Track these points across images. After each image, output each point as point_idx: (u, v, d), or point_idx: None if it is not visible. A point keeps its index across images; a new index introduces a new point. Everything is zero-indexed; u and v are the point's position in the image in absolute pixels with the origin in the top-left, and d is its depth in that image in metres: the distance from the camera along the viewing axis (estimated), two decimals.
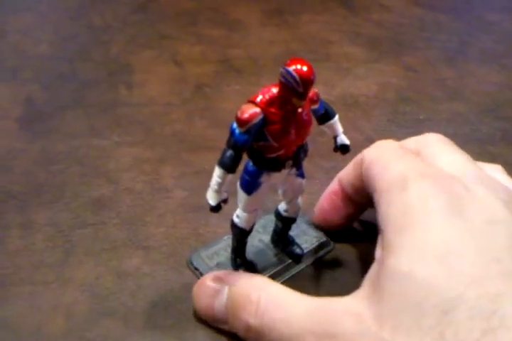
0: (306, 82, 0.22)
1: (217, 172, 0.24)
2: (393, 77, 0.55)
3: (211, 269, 0.30)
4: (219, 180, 0.24)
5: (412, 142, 0.30)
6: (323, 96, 0.27)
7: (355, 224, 0.35)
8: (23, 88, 0.50)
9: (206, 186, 0.39)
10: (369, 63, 0.57)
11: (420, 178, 0.25)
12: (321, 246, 0.33)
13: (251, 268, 0.30)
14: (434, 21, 0.69)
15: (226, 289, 0.27)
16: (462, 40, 0.64)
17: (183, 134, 0.44)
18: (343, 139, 0.29)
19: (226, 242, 0.32)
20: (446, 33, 0.66)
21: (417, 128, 0.46)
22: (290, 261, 0.32)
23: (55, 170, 0.39)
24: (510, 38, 0.66)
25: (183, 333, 0.28)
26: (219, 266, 0.30)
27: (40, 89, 0.50)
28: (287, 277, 0.31)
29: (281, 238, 0.32)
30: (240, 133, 0.23)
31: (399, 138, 0.32)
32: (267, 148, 0.25)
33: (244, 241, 0.30)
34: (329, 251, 0.33)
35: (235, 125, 0.24)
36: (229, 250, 0.31)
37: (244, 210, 0.28)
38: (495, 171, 0.28)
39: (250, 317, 0.24)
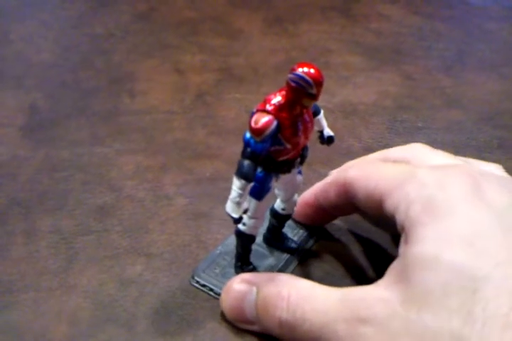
0: (318, 82, 0.23)
1: (237, 184, 0.24)
2: (392, 86, 0.55)
3: (219, 281, 0.30)
4: (240, 192, 0.24)
5: (398, 151, 0.31)
6: (322, 104, 0.28)
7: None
8: (27, 96, 0.51)
9: (208, 193, 0.39)
10: (368, 72, 0.58)
11: (431, 170, 0.25)
12: (307, 237, 0.34)
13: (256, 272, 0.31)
14: (433, 30, 0.70)
15: (254, 290, 0.27)
16: (460, 48, 0.65)
17: (185, 142, 0.45)
18: (329, 131, 0.30)
19: (221, 252, 0.33)
20: (445, 41, 0.66)
21: (415, 135, 0.47)
22: (287, 257, 0.32)
23: (59, 177, 0.40)
24: (508, 47, 0.66)
25: (185, 339, 0.28)
26: (225, 276, 0.31)
27: (44, 98, 0.51)
28: (289, 273, 0.31)
29: (276, 235, 0.33)
30: (256, 142, 0.24)
31: (397, 145, 0.33)
32: (279, 152, 0.25)
33: (250, 248, 0.30)
34: (315, 242, 0.34)
35: (248, 135, 0.24)
36: (227, 258, 0.32)
37: (253, 217, 0.28)
38: (495, 169, 0.29)
39: (282, 313, 0.25)
